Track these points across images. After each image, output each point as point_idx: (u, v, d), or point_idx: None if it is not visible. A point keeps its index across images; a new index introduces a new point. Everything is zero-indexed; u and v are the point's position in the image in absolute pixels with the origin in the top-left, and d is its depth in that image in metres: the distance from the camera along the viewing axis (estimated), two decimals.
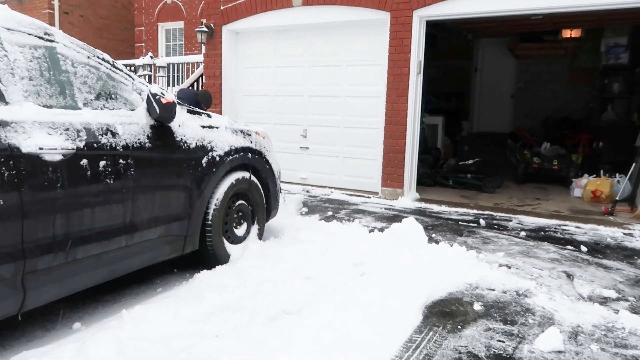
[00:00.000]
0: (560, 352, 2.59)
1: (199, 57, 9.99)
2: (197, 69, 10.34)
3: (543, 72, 11.92)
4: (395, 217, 5.67)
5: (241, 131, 3.85)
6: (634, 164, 6.56)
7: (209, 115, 3.63)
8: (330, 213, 5.79)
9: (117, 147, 2.76)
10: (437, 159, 8.50)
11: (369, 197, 6.94)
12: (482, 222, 5.52)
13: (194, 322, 2.74)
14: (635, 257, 4.38)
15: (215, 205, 3.52)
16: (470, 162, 8.11)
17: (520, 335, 2.79)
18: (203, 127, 3.46)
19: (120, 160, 2.77)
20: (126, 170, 2.80)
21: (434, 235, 4.89)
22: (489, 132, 11.94)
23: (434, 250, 4.10)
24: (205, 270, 3.46)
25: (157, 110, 2.94)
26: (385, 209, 6.21)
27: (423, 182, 7.62)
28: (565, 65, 11.36)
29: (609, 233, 5.23)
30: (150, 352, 2.37)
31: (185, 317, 2.79)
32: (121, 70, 3.07)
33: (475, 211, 6.18)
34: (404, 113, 6.70)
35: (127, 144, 2.83)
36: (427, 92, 8.35)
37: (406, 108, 6.68)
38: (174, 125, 3.18)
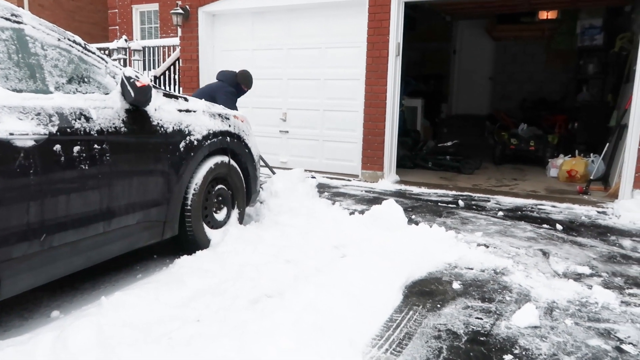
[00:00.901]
0: (536, 327, 2.66)
1: (175, 40, 9.80)
2: (173, 52, 10.15)
3: (520, 54, 12.02)
4: (375, 199, 5.71)
5: (219, 115, 3.80)
6: (607, 144, 6.70)
7: (185, 99, 3.57)
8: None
9: (92, 132, 2.69)
10: (416, 141, 8.56)
11: (350, 180, 6.96)
12: (460, 202, 5.60)
13: (174, 307, 2.73)
14: (609, 235, 4.49)
15: (194, 190, 3.49)
16: (449, 144, 8.19)
17: (497, 312, 2.85)
18: (180, 110, 3.40)
19: (95, 146, 2.71)
20: (101, 156, 2.75)
21: (413, 216, 4.94)
22: (468, 114, 12.04)
23: (414, 231, 4.14)
24: (185, 256, 3.43)
25: (132, 94, 2.88)
26: (366, 191, 6.24)
27: (403, 164, 7.67)
28: (542, 46, 11.47)
29: (583, 211, 5.35)
30: (130, 338, 2.36)
31: (166, 303, 2.77)
32: (93, 53, 2.99)
33: (454, 192, 6.25)
34: (383, 95, 6.70)
35: (102, 128, 2.76)
36: (407, 75, 8.37)
37: (385, 90, 6.68)
38: (149, 109, 3.12)
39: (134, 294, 2.80)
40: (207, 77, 8.32)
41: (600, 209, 5.45)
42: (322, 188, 6.40)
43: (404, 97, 8.66)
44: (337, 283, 3.02)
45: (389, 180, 6.72)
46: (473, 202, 5.69)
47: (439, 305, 2.93)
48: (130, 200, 2.97)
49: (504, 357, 2.36)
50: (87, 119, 2.69)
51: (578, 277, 3.42)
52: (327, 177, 7.12)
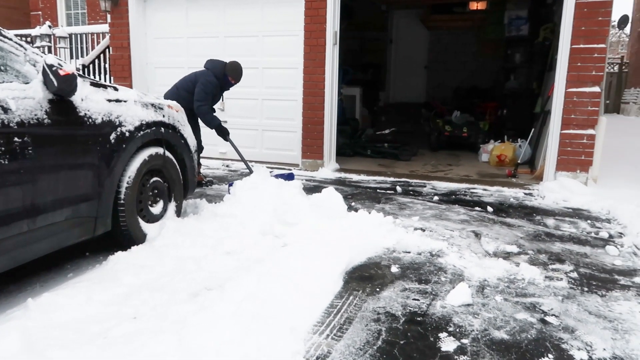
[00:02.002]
0: (469, 305, 2.79)
1: (105, 27, 9.31)
2: (103, 39, 9.66)
3: (453, 44, 12.42)
4: (316, 187, 5.74)
5: (152, 105, 3.67)
6: (533, 129, 7.09)
7: (115, 88, 3.42)
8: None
9: (11, 125, 2.52)
10: (355, 130, 8.67)
11: (290, 170, 6.94)
12: (398, 188, 5.74)
13: (109, 305, 2.64)
14: (534, 215, 4.77)
15: (127, 183, 3.36)
16: (386, 131, 8.37)
17: (433, 292, 2.96)
18: (109, 100, 3.25)
19: (15, 139, 2.54)
20: (23, 150, 2.58)
21: (353, 203, 5.02)
22: (405, 103, 12.34)
23: (354, 218, 4.20)
24: (120, 252, 3.32)
25: (55, 83, 2.72)
26: (306, 180, 6.26)
27: (342, 152, 7.76)
28: (473, 36, 11.91)
29: (512, 194, 5.65)
30: (62, 340, 2.26)
31: (100, 301, 2.68)
32: (10, 39, 2.79)
33: (392, 179, 6.40)
34: (321, 84, 6.72)
35: (22, 120, 2.59)
36: (345, 64, 8.43)
37: (324, 79, 6.70)
38: (75, 99, 2.96)
39: (64, 294, 2.68)
40: (140, 65, 8.00)
41: (527, 191, 5.77)
42: None
43: (343, 85, 8.74)
44: (278, 272, 3.02)
45: (329, 169, 6.78)
46: (410, 188, 5.86)
47: (378, 289, 3.00)
48: (57, 196, 2.81)
49: (439, 335, 2.46)
50: (5, 110, 2.52)
51: (507, 256, 3.61)
52: (268, 167, 7.05)
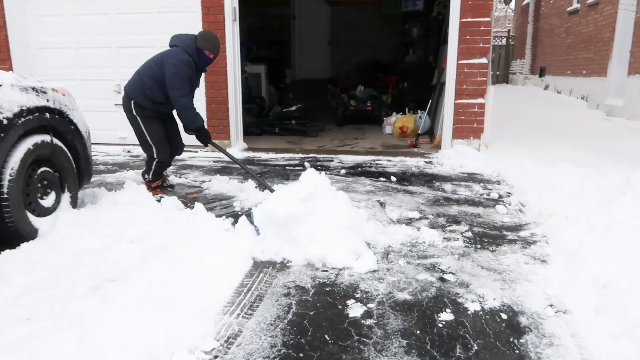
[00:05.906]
0: (374, 271, 2.92)
1: None
2: None
3: (355, 19, 12.62)
4: (223, 168, 5.65)
5: (33, 88, 3.36)
6: (430, 101, 7.46)
7: None
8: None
9: None
10: (262, 108, 8.60)
11: (197, 152, 6.75)
12: (307, 164, 5.80)
13: None
14: (434, 181, 5.06)
15: (10, 175, 3.07)
16: (293, 108, 8.38)
17: None
18: None
19: None
20: None
21: None
22: (312, 79, 12.40)
23: (262, 197, 4.19)
24: (8, 250, 3.04)
25: None
26: (214, 161, 6.13)
27: (250, 131, 7.67)
28: (373, 12, 12.17)
29: (413, 163, 5.94)
30: None
31: None
32: None
33: (300, 155, 6.46)
34: (223, 62, 6.54)
35: None
36: (248, 41, 8.27)
37: (225, 57, 6.53)
38: None
39: None
40: (21, 46, 7.28)
41: (427, 160, 6.10)
42: None
43: (246, 63, 8.58)
44: (186, 256, 2.94)
45: (237, 149, 6.68)
46: (318, 163, 5.95)
47: (288, 265, 3.04)
48: None
49: (347, 302, 2.55)
50: None
51: (409, 222, 3.81)
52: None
